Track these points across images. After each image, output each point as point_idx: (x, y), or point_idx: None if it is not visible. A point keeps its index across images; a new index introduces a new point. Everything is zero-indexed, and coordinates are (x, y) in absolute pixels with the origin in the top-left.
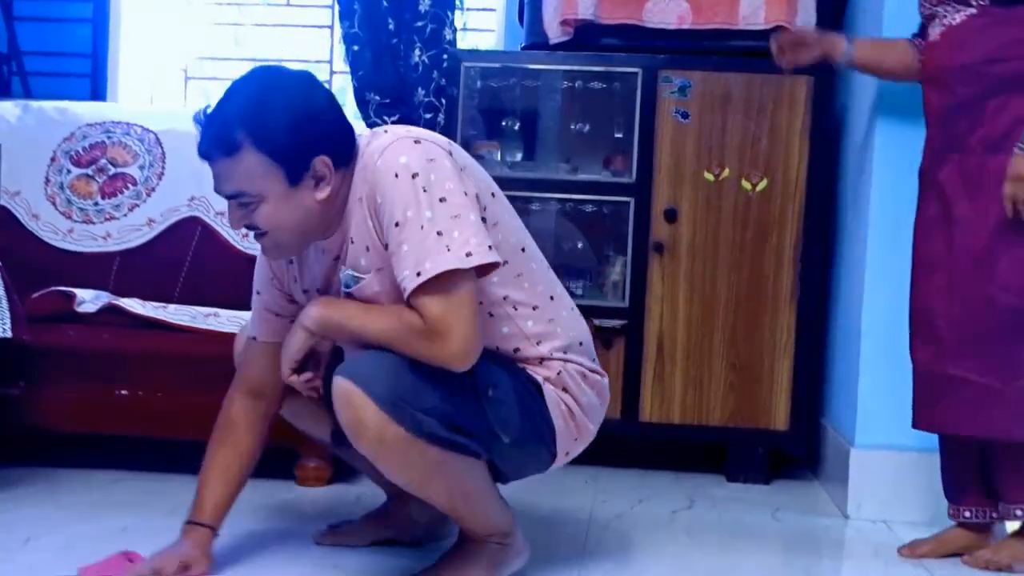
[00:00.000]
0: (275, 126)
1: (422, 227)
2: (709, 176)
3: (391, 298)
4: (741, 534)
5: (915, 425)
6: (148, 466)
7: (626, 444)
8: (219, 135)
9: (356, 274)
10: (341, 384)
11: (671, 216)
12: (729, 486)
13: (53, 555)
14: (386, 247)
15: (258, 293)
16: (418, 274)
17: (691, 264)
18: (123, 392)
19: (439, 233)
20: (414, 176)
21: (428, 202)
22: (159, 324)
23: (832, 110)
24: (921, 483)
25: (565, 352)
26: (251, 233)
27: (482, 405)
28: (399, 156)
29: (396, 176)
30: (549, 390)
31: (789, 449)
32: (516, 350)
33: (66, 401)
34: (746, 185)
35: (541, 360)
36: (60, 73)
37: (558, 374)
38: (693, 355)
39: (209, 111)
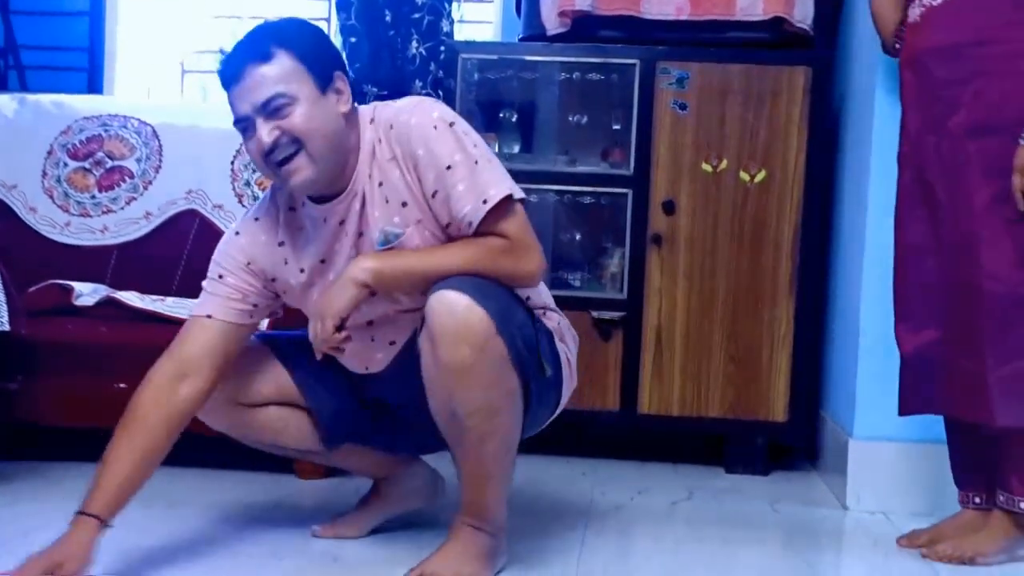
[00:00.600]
0: (302, 36)
1: (476, 163)
2: (707, 168)
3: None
4: (740, 525)
5: (901, 412)
6: None
7: (625, 436)
8: (251, 47)
9: (394, 230)
10: (448, 293)
11: (669, 208)
12: (728, 477)
13: None
14: (433, 195)
15: (220, 277)
16: (484, 202)
17: (689, 256)
18: (122, 385)
19: (490, 165)
20: (451, 125)
21: (471, 143)
22: (157, 317)
23: (830, 101)
24: (920, 474)
25: (552, 309)
26: (278, 169)
27: (537, 333)
28: (431, 112)
29: (435, 128)
30: (555, 338)
31: (788, 440)
32: (528, 298)
33: (64, 395)
34: (744, 177)
35: (544, 311)
36: (57, 67)
37: (557, 324)
38: (692, 347)
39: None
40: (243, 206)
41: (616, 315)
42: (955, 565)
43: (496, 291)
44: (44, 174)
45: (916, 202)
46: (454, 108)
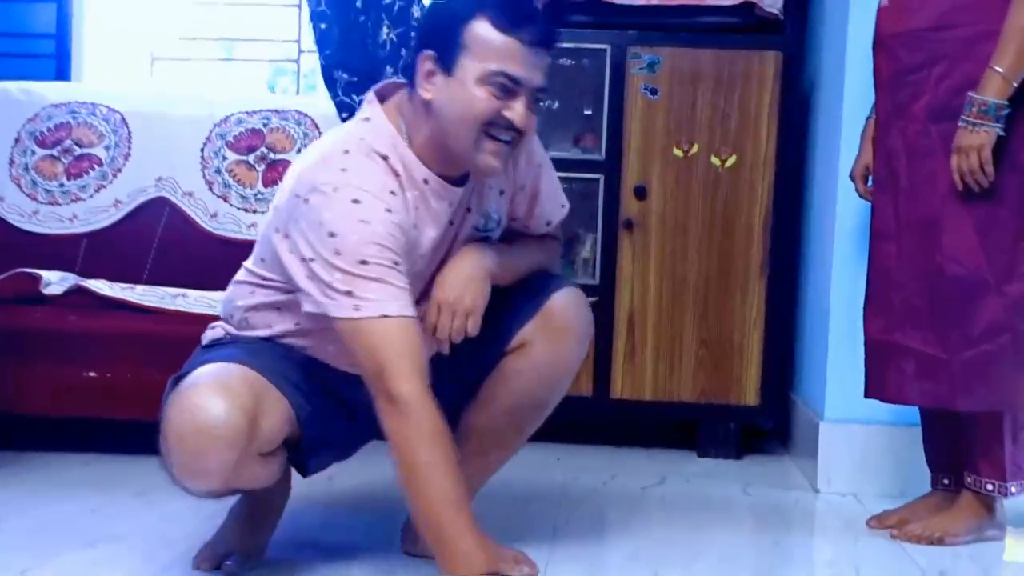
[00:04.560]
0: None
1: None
2: (678, 152)
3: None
4: (712, 509)
5: (866, 394)
6: (117, 448)
7: (597, 421)
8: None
9: (495, 215)
10: (573, 292)
11: (641, 193)
12: (700, 461)
13: (24, 537)
14: (521, 188)
15: (396, 264)
16: (562, 206)
17: (661, 241)
18: (91, 374)
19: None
20: None
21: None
22: (127, 305)
23: (800, 86)
24: (890, 456)
25: None
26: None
27: None
28: None
29: None
30: None
31: (760, 424)
32: None
33: (34, 383)
34: (715, 161)
35: None
36: (24, 54)
37: None
38: (664, 331)
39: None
40: (214, 194)
41: (589, 300)
42: (924, 545)
43: None
44: (11, 162)
45: (884, 186)
46: None
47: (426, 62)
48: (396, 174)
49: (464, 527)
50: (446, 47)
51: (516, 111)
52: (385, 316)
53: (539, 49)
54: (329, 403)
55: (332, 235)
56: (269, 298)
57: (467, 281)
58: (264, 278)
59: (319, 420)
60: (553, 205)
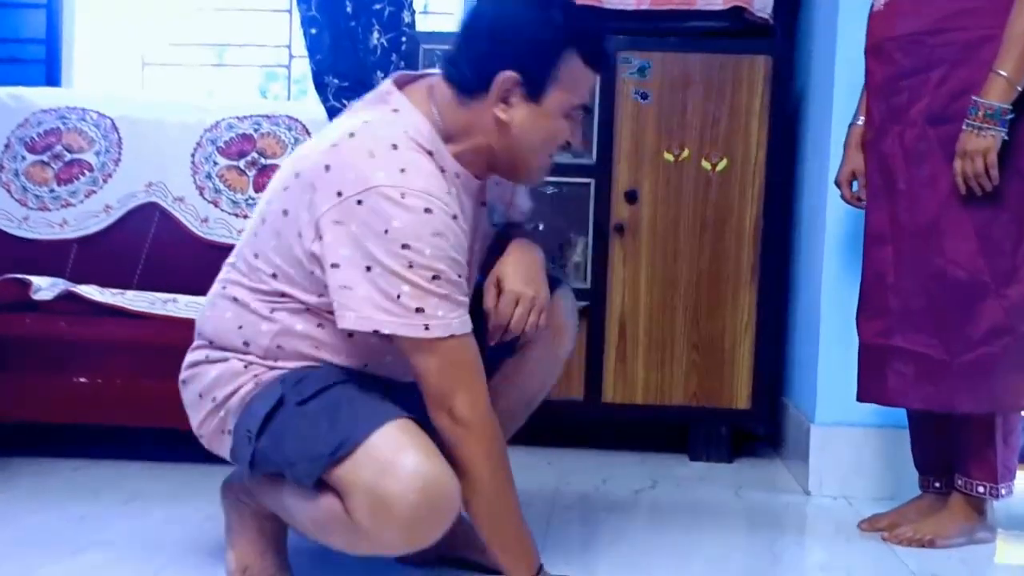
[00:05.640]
0: None
1: None
2: (669, 157)
3: None
4: (704, 512)
5: (859, 398)
6: (107, 454)
7: (589, 425)
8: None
9: (498, 206)
10: (569, 292)
11: (632, 197)
12: (692, 465)
13: (10, 545)
14: (497, 182)
15: (461, 276)
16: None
17: (652, 245)
18: (81, 380)
19: None
20: None
21: None
22: (117, 311)
23: (791, 91)
24: (881, 459)
25: None
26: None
27: None
28: None
29: None
30: None
31: (751, 428)
32: None
33: (23, 390)
34: (706, 165)
35: None
36: (14, 59)
37: None
38: (655, 336)
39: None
40: (204, 199)
41: (580, 304)
42: (915, 548)
43: None
44: (1, 167)
45: (879, 191)
46: None
47: (508, 84)
48: (442, 170)
49: (524, 533)
50: (536, 76)
51: (576, 133)
52: (452, 336)
53: (600, 73)
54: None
55: (406, 247)
56: (300, 323)
57: (538, 275)
58: (284, 295)
59: None
60: (524, 194)
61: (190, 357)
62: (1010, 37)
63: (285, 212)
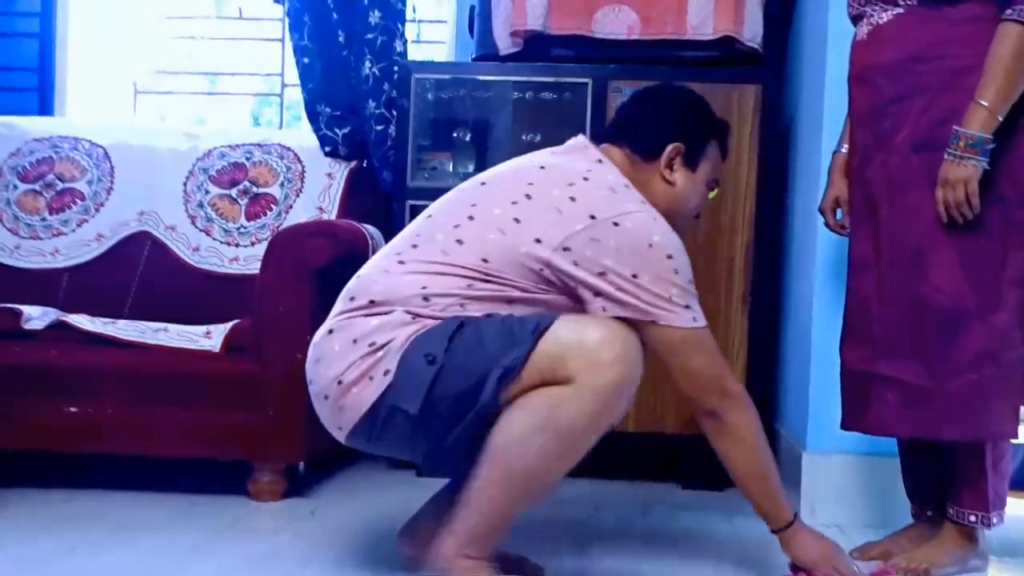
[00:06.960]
0: None
1: None
2: None
3: None
4: (697, 540)
5: (844, 426)
6: (99, 483)
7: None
8: None
9: None
10: None
11: None
12: (685, 493)
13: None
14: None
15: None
16: None
17: None
18: (72, 409)
19: None
20: None
21: None
22: (108, 340)
23: (780, 119)
24: (873, 486)
25: None
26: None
27: None
28: None
29: None
30: None
31: None
32: None
33: (14, 419)
34: None
35: None
36: (6, 88)
37: None
38: (647, 362)
39: None
40: (196, 228)
41: None
42: None
43: None
44: None
45: (862, 218)
46: (407, 127)
47: (674, 151)
48: None
49: (781, 486)
50: (694, 150)
51: (708, 198)
52: (706, 327)
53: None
54: None
55: (670, 257)
56: (498, 293)
57: None
58: (488, 275)
59: None
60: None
61: (334, 321)
62: (991, 67)
63: (517, 220)
